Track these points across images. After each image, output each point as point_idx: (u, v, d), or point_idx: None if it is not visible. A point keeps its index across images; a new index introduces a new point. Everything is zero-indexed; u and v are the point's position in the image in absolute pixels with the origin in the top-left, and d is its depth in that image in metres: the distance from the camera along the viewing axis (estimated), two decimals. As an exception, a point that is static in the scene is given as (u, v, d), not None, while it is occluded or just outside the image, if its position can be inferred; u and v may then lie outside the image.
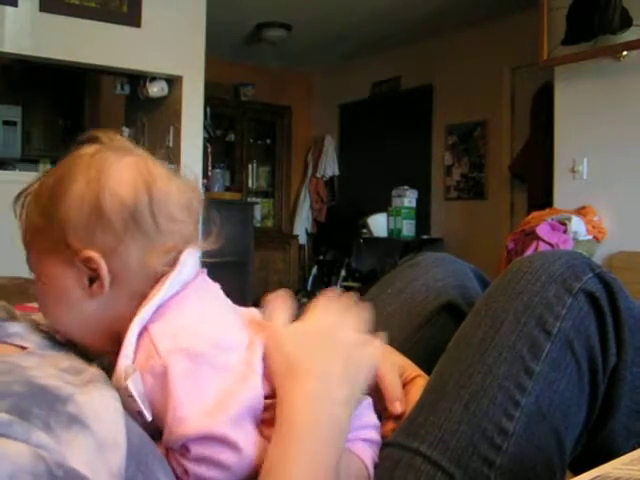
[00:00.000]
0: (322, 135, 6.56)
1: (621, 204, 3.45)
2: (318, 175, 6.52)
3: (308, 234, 6.56)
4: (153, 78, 3.87)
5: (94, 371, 0.55)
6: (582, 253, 0.80)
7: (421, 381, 0.75)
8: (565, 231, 3.33)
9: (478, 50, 5.00)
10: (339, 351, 0.63)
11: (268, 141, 6.60)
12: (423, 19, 4.96)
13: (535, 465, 0.67)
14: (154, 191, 0.58)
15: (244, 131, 6.35)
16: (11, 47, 3.31)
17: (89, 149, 0.60)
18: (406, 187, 5.14)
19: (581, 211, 3.51)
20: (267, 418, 0.58)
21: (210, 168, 5.05)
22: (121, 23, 3.56)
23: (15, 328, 0.60)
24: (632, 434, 0.76)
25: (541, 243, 3.27)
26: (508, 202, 4.88)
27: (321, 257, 5.88)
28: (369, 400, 0.68)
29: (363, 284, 5.30)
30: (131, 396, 0.53)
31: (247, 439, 0.55)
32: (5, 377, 0.48)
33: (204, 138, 4.27)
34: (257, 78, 6.32)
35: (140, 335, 0.56)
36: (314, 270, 5.86)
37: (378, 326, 0.82)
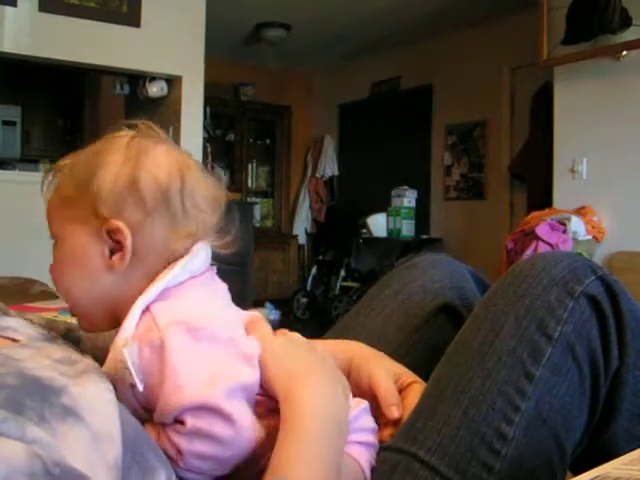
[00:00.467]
0: (322, 135, 6.56)
1: (621, 204, 3.45)
2: (318, 175, 6.52)
3: (308, 234, 6.56)
4: (153, 78, 3.87)
5: (88, 362, 0.55)
6: (583, 255, 0.80)
7: (418, 387, 0.74)
8: (565, 231, 3.34)
9: (478, 50, 5.00)
10: (321, 355, 0.65)
11: (268, 141, 6.60)
12: (423, 19, 4.96)
13: (534, 469, 0.67)
14: (186, 179, 0.61)
15: (244, 131, 6.35)
16: (11, 47, 3.31)
17: (127, 133, 0.63)
18: (406, 187, 5.14)
19: (581, 211, 3.52)
20: (258, 412, 0.58)
21: (210, 168, 5.04)
22: (121, 23, 3.56)
23: (8, 322, 0.60)
24: (634, 437, 0.75)
25: (541, 243, 3.27)
26: (508, 202, 4.88)
27: (321, 257, 5.88)
28: (366, 404, 0.68)
29: (362, 284, 5.29)
30: (127, 368, 0.54)
31: (241, 413, 0.55)
32: None
33: (204, 138, 4.27)
34: (257, 78, 6.32)
35: (142, 313, 0.58)
36: (314, 270, 5.86)
37: (376, 327, 0.82)
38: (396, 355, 0.80)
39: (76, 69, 3.88)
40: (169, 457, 0.55)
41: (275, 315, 5.19)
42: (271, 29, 5.24)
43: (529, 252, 3.27)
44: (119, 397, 0.54)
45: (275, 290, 6.05)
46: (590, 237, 3.43)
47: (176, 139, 3.87)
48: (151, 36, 3.66)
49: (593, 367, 0.71)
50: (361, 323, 0.92)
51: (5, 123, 5.24)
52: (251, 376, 0.58)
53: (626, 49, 3.31)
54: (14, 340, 0.58)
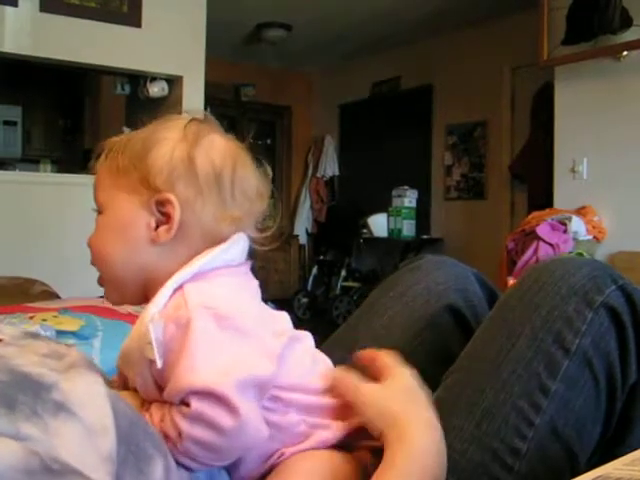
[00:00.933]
0: (322, 135, 6.56)
1: (621, 204, 3.45)
2: (318, 175, 6.52)
3: (308, 234, 6.56)
4: (153, 78, 3.86)
5: (76, 354, 0.54)
6: (584, 255, 0.79)
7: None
8: (565, 231, 3.33)
9: (478, 50, 5.00)
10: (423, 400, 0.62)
11: (268, 141, 6.60)
12: (423, 19, 4.96)
13: None
14: (238, 166, 0.63)
15: (244, 131, 6.34)
16: (11, 47, 3.30)
17: (185, 116, 0.64)
18: (406, 187, 5.14)
19: (581, 211, 3.51)
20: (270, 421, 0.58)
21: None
22: (121, 23, 3.56)
23: None
24: None
25: (541, 243, 3.27)
26: (508, 202, 4.88)
27: (321, 257, 5.88)
28: None
29: (363, 284, 5.30)
30: (149, 342, 0.55)
31: (249, 408, 0.54)
32: None
33: (204, 138, 4.27)
34: (257, 78, 6.32)
35: (174, 291, 0.58)
36: (314, 270, 5.86)
37: (380, 329, 0.81)
38: (400, 356, 0.80)
39: (77, 69, 3.88)
40: (168, 439, 0.54)
41: (275, 315, 5.17)
42: (271, 29, 5.24)
43: (530, 252, 3.27)
44: (134, 371, 0.55)
45: (276, 290, 6.05)
46: (591, 237, 3.43)
47: (177, 139, 3.86)
48: (152, 36, 3.66)
49: (610, 380, 0.69)
50: (366, 325, 0.92)
51: (6, 123, 5.24)
52: (267, 370, 0.57)
53: (626, 49, 3.31)
54: None
